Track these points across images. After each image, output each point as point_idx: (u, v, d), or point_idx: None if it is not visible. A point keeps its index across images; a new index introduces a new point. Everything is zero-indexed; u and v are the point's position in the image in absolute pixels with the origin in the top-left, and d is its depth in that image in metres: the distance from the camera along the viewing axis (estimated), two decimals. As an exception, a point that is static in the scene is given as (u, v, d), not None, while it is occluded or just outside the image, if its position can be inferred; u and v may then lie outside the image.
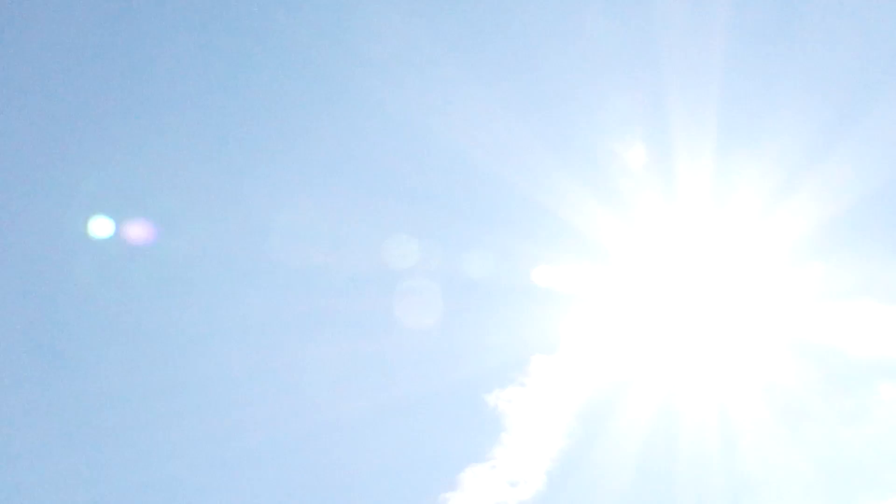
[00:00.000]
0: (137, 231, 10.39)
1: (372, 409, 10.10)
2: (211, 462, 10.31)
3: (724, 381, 9.38)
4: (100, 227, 10.36)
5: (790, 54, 8.80)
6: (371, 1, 9.43)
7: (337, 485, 10.05)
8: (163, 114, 10.57)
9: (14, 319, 10.60)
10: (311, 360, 10.29)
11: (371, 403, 10.11)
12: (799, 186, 8.83)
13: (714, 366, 9.43)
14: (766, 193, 8.70)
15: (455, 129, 9.30)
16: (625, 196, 8.90)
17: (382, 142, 9.80)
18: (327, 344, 10.03)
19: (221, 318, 10.39)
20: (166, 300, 10.54)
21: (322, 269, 10.24)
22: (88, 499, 10.15)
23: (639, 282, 9.23)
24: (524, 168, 9.19)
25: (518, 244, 9.32)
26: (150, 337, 10.50)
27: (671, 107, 8.78)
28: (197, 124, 10.48)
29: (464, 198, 9.30)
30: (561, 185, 9.08)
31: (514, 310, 9.48)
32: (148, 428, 10.50)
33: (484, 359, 9.70)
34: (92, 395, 10.50)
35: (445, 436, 9.76)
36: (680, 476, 9.11)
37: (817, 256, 9.07)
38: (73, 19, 10.40)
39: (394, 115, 9.79)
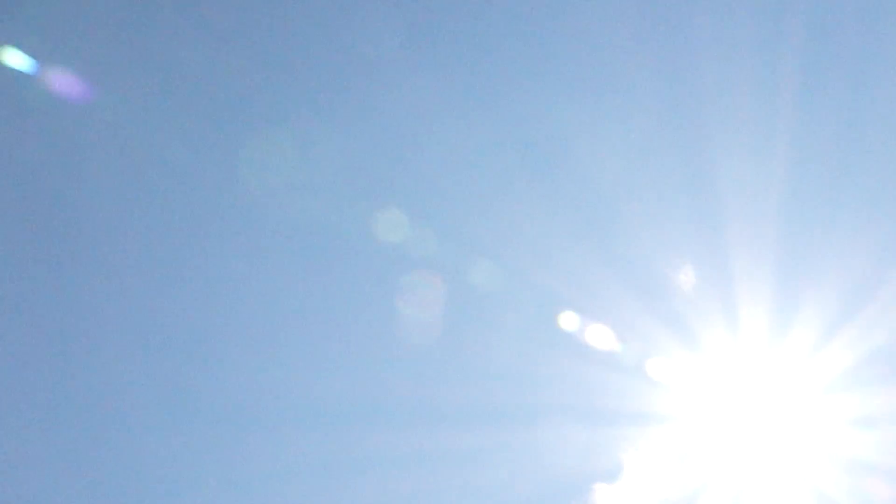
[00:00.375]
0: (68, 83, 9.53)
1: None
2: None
3: (786, 504, 9.34)
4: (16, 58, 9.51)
5: (853, 183, 8.91)
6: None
7: None
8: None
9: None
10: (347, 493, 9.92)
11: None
12: (860, 311, 8.90)
13: (776, 490, 9.39)
14: (827, 316, 8.74)
15: (519, 266, 9.17)
16: (680, 318, 8.85)
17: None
18: (373, 481, 9.69)
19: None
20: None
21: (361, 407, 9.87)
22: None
23: (700, 405, 9.16)
24: (581, 290, 9.08)
25: (578, 367, 9.18)
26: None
27: (727, 230, 8.79)
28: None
29: (521, 325, 9.12)
30: (618, 305, 9.00)
31: (572, 436, 9.31)
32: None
33: (541, 487, 9.48)
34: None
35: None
36: None
37: (880, 381, 9.13)
38: None
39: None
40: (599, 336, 9.01)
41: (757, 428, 9.38)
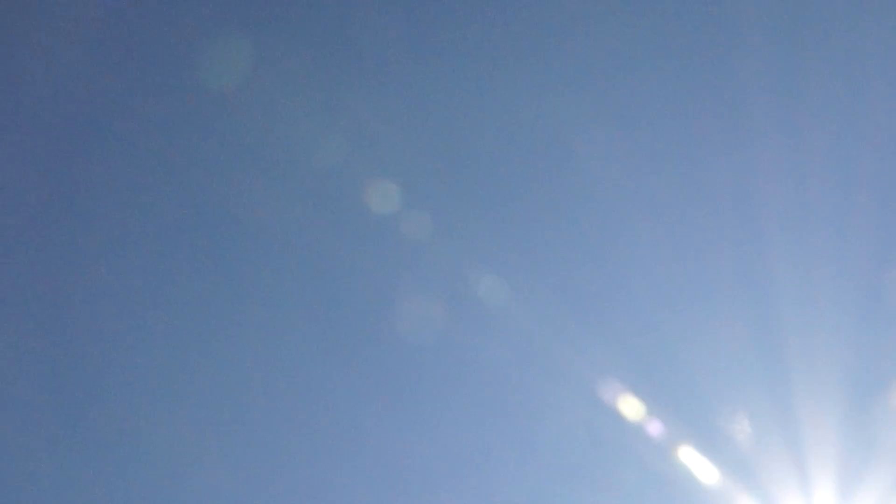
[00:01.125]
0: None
1: None
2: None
3: None
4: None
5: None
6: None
7: None
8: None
9: None
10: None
11: None
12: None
13: None
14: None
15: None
16: (746, 470, 8.72)
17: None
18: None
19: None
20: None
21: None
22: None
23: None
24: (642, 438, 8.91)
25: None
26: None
27: (792, 381, 8.71)
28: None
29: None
30: (684, 456, 8.87)
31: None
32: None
33: None
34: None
35: None
36: None
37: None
38: None
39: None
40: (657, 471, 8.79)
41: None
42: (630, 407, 8.61)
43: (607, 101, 8.95)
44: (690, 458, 8.61)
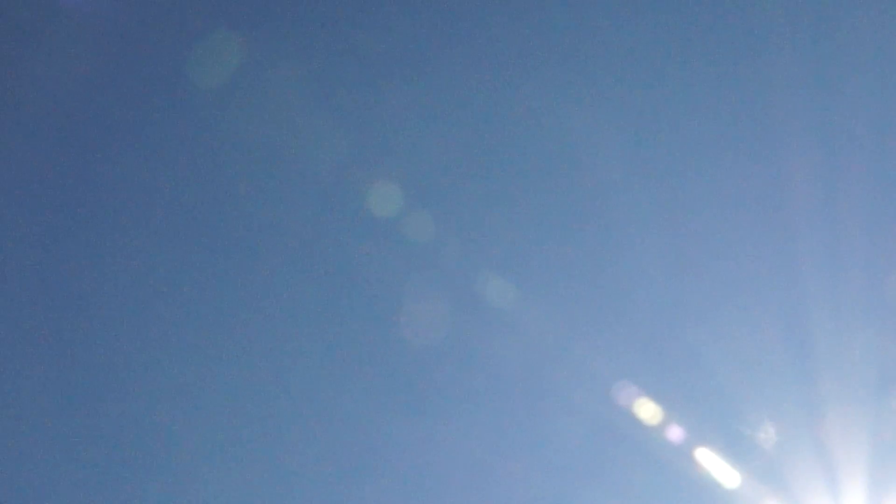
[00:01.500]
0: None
1: None
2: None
3: None
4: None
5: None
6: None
7: None
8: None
9: None
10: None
11: None
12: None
13: None
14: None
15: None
16: (771, 473, 8.61)
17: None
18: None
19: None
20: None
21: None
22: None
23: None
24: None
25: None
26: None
27: (822, 389, 8.59)
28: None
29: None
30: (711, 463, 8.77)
31: None
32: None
33: None
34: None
35: None
36: None
37: None
38: None
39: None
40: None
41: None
42: (649, 410, 8.48)
43: (624, 102, 8.86)
44: (712, 460, 8.50)
